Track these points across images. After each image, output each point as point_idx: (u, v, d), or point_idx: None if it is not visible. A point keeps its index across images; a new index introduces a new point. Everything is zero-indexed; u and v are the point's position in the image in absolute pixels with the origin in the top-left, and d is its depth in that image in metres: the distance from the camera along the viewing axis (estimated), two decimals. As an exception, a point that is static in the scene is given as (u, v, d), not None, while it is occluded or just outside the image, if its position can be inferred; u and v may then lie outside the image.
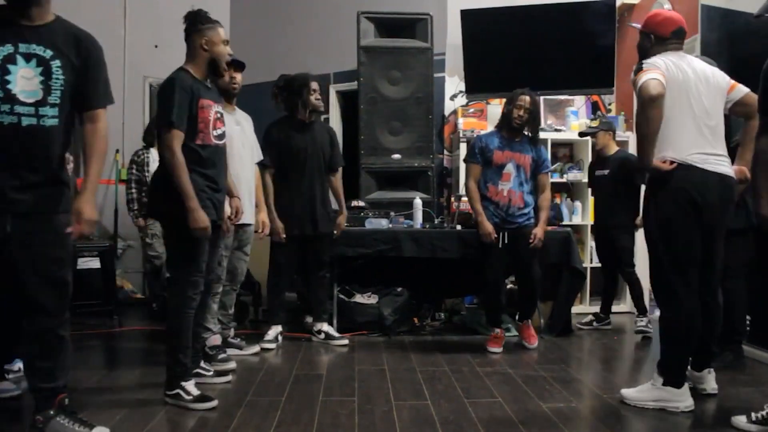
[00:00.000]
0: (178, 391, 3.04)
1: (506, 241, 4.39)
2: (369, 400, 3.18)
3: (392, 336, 4.76)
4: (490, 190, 4.40)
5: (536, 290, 4.57)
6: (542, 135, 5.91)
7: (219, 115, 3.20)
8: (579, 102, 6.26)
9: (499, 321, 4.48)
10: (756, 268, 4.10)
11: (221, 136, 3.22)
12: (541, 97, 6.19)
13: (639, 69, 3.04)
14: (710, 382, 3.28)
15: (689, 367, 3.32)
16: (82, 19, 6.90)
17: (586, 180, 5.48)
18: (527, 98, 4.36)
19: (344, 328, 4.79)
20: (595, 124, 5.39)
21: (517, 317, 4.69)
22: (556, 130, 6.01)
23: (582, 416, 3.00)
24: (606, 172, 5.14)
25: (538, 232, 4.39)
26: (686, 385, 3.07)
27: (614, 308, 5.87)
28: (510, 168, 4.38)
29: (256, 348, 4.25)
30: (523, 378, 3.65)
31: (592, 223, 5.69)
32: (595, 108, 6.35)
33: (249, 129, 4.17)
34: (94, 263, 5.42)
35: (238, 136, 4.04)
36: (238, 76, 4.00)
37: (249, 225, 4.12)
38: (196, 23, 3.14)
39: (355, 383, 3.51)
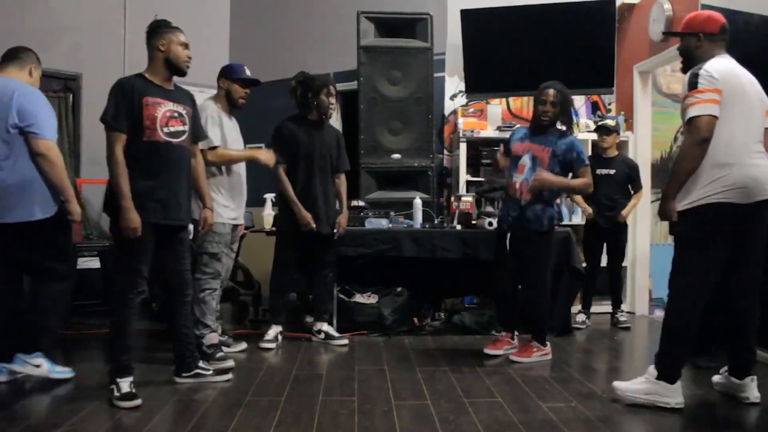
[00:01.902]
0: (112, 386, 3.11)
1: (510, 244, 4.20)
2: (369, 400, 3.18)
3: (392, 336, 4.76)
4: (508, 183, 4.23)
5: (534, 304, 4.18)
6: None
7: (175, 114, 3.26)
8: (579, 102, 6.25)
9: (504, 324, 4.43)
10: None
11: (176, 134, 3.26)
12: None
13: (694, 85, 2.94)
14: (753, 390, 3.17)
15: (729, 375, 3.28)
16: (83, 19, 6.92)
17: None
18: (551, 91, 4.07)
19: (344, 328, 4.79)
20: (612, 123, 5.51)
21: None
22: (556, 130, 6.00)
23: (582, 416, 3.00)
24: (612, 171, 5.31)
25: (544, 174, 3.99)
26: (679, 382, 3.08)
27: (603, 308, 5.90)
28: (525, 159, 4.10)
29: (243, 345, 4.27)
30: (523, 378, 3.66)
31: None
32: (595, 108, 6.35)
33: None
34: (94, 263, 5.42)
35: (239, 142, 4.13)
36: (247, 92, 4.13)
37: (239, 225, 4.15)
38: (155, 29, 3.29)
39: (355, 383, 3.51)
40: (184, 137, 3.30)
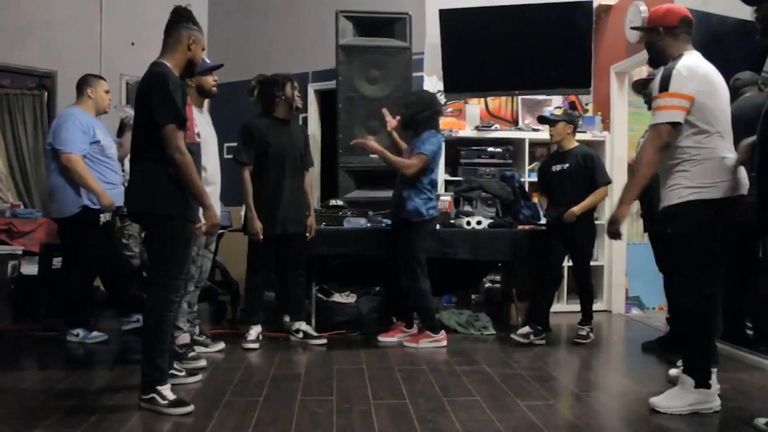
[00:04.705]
0: (153, 395, 2.96)
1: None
2: (347, 400, 3.18)
3: (370, 335, 4.75)
4: None
5: (408, 293, 4.50)
6: (520, 135, 6.01)
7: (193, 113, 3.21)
8: (557, 102, 6.30)
9: (399, 314, 4.71)
10: (728, 266, 4.17)
11: (199, 135, 3.23)
12: (519, 97, 6.27)
13: (665, 87, 2.98)
14: (716, 383, 3.16)
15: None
16: (57, 15, 6.82)
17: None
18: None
19: (322, 327, 4.78)
20: (558, 112, 4.97)
21: None
22: (534, 130, 6.05)
23: (559, 414, 3.03)
24: (565, 166, 4.76)
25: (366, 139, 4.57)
26: (712, 385, 3.06)
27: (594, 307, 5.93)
28: None
29: (220, 345, 4.25)
30: (501, 376, 3.67)
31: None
32: (572, 108, 6.39)
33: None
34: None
35: (212, 138, 4.08)
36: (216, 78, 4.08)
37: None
38: (188, 20, 3.08)
39: (334, 382, 3.51)
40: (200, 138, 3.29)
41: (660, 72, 3.07)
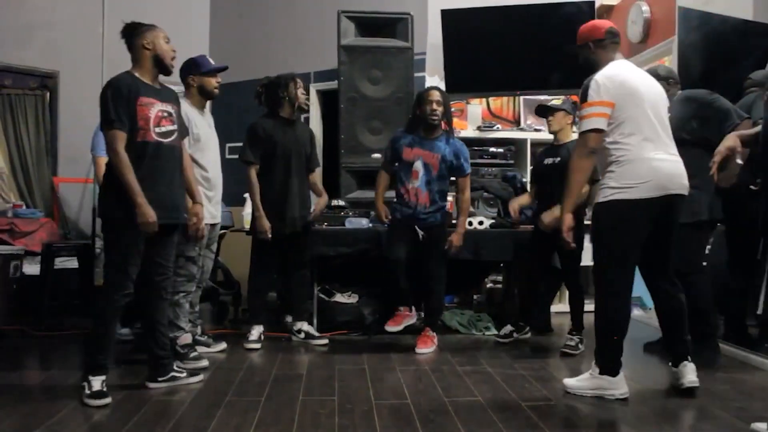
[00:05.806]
0: (84, 383, 3.10)
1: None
2: (349, 400, 3.18)
3: (372, 335, 4.76)
4: (403, 189, 4.41)
5: (433, 292, 4.45)
6: (522, 135, 6.00)
7: (165, 113, 3.26)
8: (558, 102, 6.29)
9: (400, 300, 4.53)
10: (730, 267, 4.18)
11: (167, 134, 3.27)
12: (521, 97, 6.27)
13: (584, 97, 3.18)
14: (688, 374, 3.29)
15: (670, 365, 3.43)
16: (59, 16, 6.81)
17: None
18: (436, 92, 4.37)
19: (324, 327, 4.78)
20: (558, 102, 4.65)
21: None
22: (536, 130, 6.05)
23: (559, 413, 3.03)
24: (557, 160, 4.43)
25: (455, 238, 4.39)
26: (621, 374, 3.22)
27: (587, 307, 5.92)
28: (418, 166, 4.34)
29: (222, 345, 4.25)
30: (503, 376, 3.68)
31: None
32: (574, 108, 6.38)
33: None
34: (72, 263, 5.36)
35: (213, 139, 4.08)
36: (219, 80, 4.10)
37: (216, 224, 4.13)
38: (134, 28, 3.29)
39: (335, 383, 3.51)
40: (174, 137, 3.31)
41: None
